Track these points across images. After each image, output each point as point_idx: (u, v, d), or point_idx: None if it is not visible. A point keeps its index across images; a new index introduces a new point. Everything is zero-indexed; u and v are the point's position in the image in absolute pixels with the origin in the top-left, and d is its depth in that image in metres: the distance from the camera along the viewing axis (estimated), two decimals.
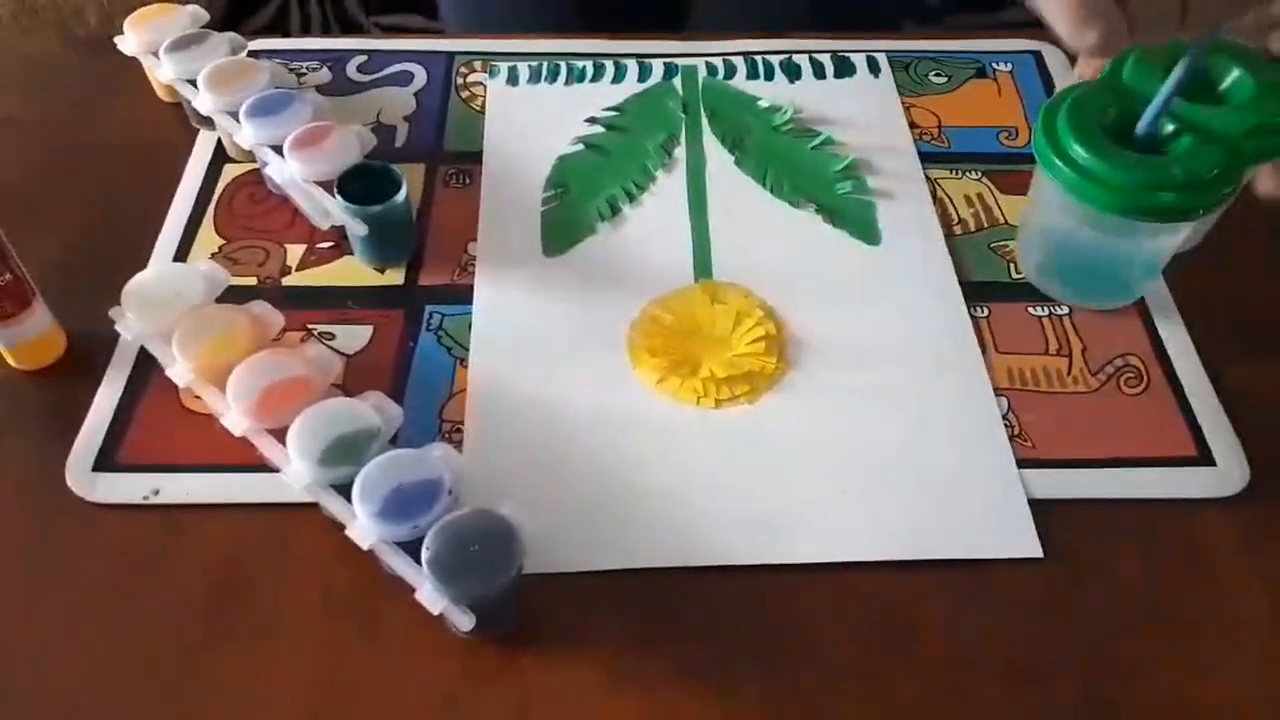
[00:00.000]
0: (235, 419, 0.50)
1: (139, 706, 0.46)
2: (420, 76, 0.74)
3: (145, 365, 0.57)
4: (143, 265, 0.61)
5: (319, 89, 0.73)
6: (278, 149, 0.61)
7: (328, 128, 0.62)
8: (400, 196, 0.59)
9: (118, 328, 0.54)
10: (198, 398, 0.52)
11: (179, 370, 0.52)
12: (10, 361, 0.57)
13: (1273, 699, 0.47)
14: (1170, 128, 0.55)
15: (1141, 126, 0.54)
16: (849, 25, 0.79)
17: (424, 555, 0.45)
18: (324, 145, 0.61)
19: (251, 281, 0.61)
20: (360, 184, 0.59)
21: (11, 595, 0.50)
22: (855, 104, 0.72)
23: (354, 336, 0.59)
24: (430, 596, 0.45)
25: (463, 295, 0.61)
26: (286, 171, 0.60)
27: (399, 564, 0.46)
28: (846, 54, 0.75)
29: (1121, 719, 0.46)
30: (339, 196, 0.59)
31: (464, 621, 0.45)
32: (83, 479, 0.53)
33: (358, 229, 0.59)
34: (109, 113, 0.72)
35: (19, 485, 0.53)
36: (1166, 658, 0.48)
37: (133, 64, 0.70)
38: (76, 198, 0.66)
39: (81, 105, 0.71)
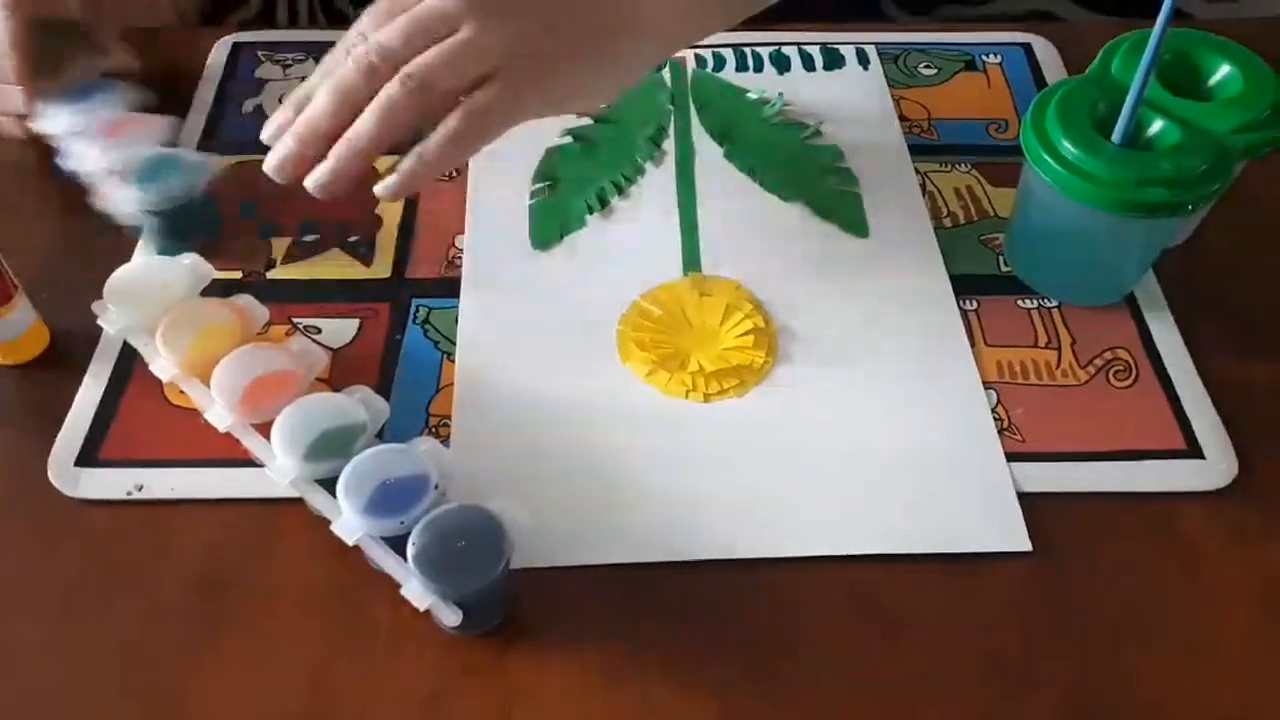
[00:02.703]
0: (219, 414, 0.49)
1: (123, 704, 0.46)
2: None
3: (129, 360, 0.56)
4: (126, 259, 0.60)
5: (304, 80, 0.72)
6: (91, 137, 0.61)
7: (132, 118, 0.62)
8: (181, 184, 0.59)
9: (100, 322, 0.53)
10: (182, 392, 0.52)
11: (162, 365, 0.51)
12: None
13: (1258, 694, 0.47)
14: (1158, 124, 0.55)
15: (1117, 137, 0.54)
16: (831, 13, 0.79)
17: (410, 551, 0.44)
18: (124, 135, 0.61)
19: (236, 275, 0.61)
20: (163, 174, 0.59)
21: None
22: (844, 96, 0.72)
23: (340, 330, 0.58)
24: (417, 592, 0.44)
25: (450, 288, 0.60)
26: (90, 160, 0.60)
27: (385, 560, 0.45)
28: (835, 46, 0.75)
29: (1109, 714, 0.46)
30: (134, 185, 0.59)
31: (451, 617, 0.44)
32: (66, 475, 0.52)
33: (139, 218, 0.59)
34: None
35: (1, 482, 0.53)
36: (1152, 652, 0.48)
37: None
38: (59, 191, 0.65)
39: None
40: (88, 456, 0.53)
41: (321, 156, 0.49)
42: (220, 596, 0.49)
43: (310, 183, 0.50)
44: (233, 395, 0.49)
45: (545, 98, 0.51)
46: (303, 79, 0.71)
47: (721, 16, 0.58)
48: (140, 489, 0.52)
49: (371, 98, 0.48)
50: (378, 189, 0.50)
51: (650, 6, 0.53)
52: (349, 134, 0.49)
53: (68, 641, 0.47)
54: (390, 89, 0.48)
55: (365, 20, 0.51)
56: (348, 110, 0.49)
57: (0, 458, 0.54)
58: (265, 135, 0.52)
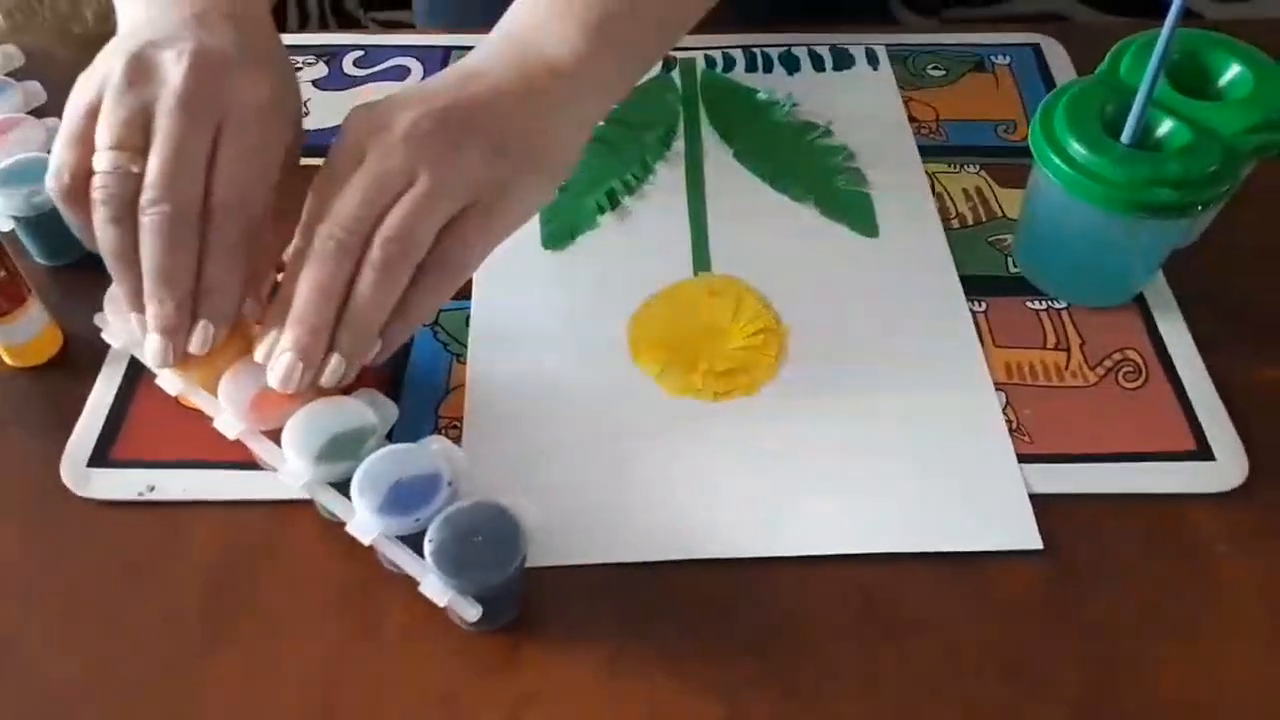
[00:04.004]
0: (228, 422, 0.49)
1: (135, 703, 0.46)
2: (416, 71, 0.74)
3: (140, 362, 0.56)
4: None
5: (315, 83, 0.72)
6: None
7: (18, 119, 0.62)
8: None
9: (104, 336, 0.53)
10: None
11: (168, 378, 0.51)
12: (6, 359, 0.57)
13: (1269, 695, 0.47)
14: (1168, 124, 0.55)
15: (1126, 138, 0.54)
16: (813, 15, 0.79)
17: (427, 547, 0.45)
18: (5, 137, 0.61)
19: None
20: (31, 179, 0.58)
21: (7, 592, 0.49)
22: (854, 97, 0.72)
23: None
24: (435, 588, 0.45)
25: (459, 290, 0.60)
26: None
27: (402, 557, 0.45)
28: (845, 46, 0.75)
29: (1118, 715, 0.46)
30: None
31: (470, 612, 0.45)
32: (78, 475, 0.53)
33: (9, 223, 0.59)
34: None
35: (15, 482, 0.53)
36: (1163, 654, 0.48)
37: None
38: None
39: None
40: (100, 457, 0.53)
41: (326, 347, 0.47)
42: (231, 597, 0.49)
43: (329, 382, 0.47)
44: (240, 405, 0.49)
45: (517, 212, 0.51)
46: (314, 82, 0.72)
47: (627, 81, 0.57)
48: (152, 489, 0.52)
49: (350, 275, 0.46)
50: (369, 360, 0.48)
51: (563, 94, 0.52)
52: (353, 318, 0.47)
53: (80, 640, 0.48)
54: (376, 254, 0.46)
55: (313, 203, 0.48)
56: (336, 298, 0.47)
57: (14, 458, 0.54)
58: (259, 356, 0.48)
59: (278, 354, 0.47)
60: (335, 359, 0.47)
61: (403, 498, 0.46)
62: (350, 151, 0.48)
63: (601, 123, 0.69)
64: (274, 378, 0.47)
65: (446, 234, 0.48)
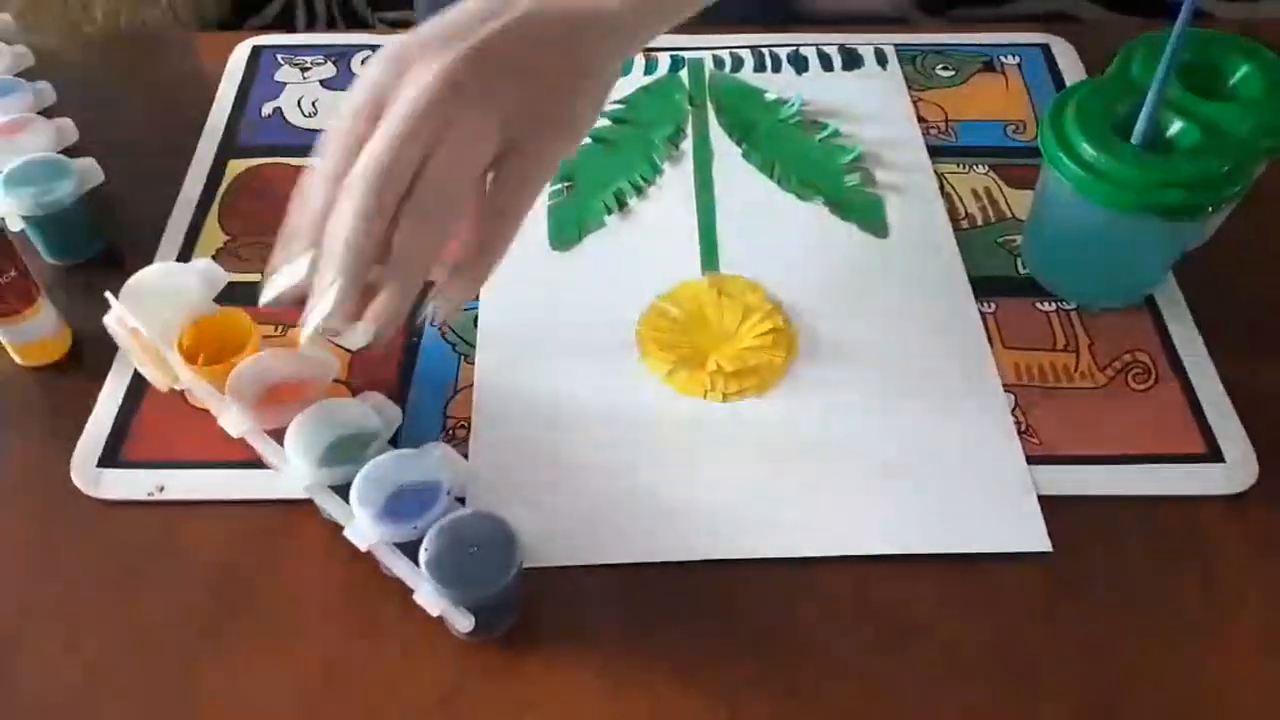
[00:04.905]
0: (234, 420, 0.49)
1: (140, 701, 0.46)
2: None
3: None
4: (148, 261, 0.60)
5: (323, 83, 0.72)
6: None
7: (30, 120, 0.63)
8: (56, 192, 0.58)
9: (117, 342, 0.53)
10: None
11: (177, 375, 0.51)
12: (16, 358, 0.57)
13: (1278, 698, 0.46)
14: (1178, 124, 0.55)
15: (1137, 138, 0.54)
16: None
17: (422, 556, 0.45)
18: (17, 136, 0.61)
19: (256, 278, 0.61)
20: (41, 180, 0.59)
21: (16, 590, 0.50)
22: (863, 96, 0.72)
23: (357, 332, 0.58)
24: (429, 598, 0.45)
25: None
26: None
27: (398, 565, 0.46)
28: (853, 46, 0.75)
29: (1126, 717, 0.46)
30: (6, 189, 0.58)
31: (463, 623, 0.45)
32: (88, 475, 0.53)
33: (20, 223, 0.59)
34: (115, 109, 0.72)
35: (25, 482, 0.53)
36: (1171, 656, 0.47)
37: (140, 59, 0.69)
38: None
39: (86, 101, 0.71)
40: (110, 457, 0.53)
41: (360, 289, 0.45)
42: (238, 597, 0.49)
43: (385, 326, 0.46)
44: (247, 403, 0.49)
45: (556, 149, 0.49)
46: (321, 82, 0.72)
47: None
48: (161, 489, 0.52)
49: (392, 208, 0.44)
50: (439, 318, 0.48)
51: (604, 26, 0.51)
52: (398, 268, 0.45)
53: (87, 638, 0.48)
54: (419, 203, 0.45)
55: (336, 144, 0.46)
56: (379, 227, 0.45)
57: (24, 458, 0.54)
58: (266, 298, 0.47)
59: (318, 305, 0.44)
60: (386, 308, 0.45)
61: (402, 505, 0.46)
62: (378, 90, 0.46)
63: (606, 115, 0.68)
64: (321, 311, 0.44)
65: (493, 183, 0.47)
